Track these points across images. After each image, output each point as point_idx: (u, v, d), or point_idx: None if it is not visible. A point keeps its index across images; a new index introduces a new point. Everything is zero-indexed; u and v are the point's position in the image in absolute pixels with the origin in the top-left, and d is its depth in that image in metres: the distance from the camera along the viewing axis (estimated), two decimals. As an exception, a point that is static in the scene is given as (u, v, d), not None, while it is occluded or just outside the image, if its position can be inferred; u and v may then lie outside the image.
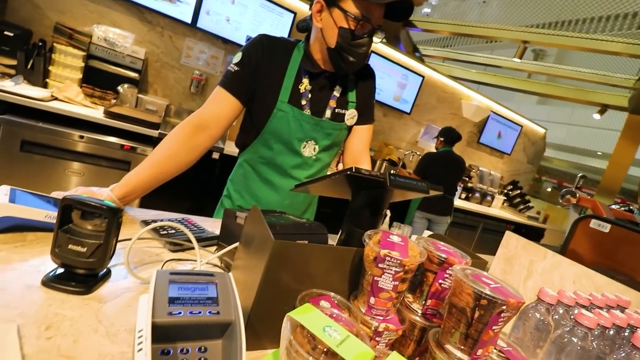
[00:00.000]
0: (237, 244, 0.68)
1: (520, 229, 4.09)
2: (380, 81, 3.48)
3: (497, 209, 4.34)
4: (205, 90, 2.76)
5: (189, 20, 2.48)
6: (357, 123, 1.12)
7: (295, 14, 2.80)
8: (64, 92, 2.01)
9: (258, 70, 0.96)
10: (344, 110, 1.07)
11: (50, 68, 2.12)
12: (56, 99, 1.97)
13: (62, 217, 0.53)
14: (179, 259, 0.71)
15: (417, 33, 5.53)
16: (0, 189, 0.64)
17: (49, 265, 0.56)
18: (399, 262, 0.47)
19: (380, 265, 0.48)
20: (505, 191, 4.60)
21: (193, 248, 0.68)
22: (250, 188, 1.09)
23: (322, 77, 1.02)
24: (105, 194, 0.79)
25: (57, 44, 2.13)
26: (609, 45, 3.81)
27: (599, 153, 11.41)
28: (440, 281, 0.55)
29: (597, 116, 5.09)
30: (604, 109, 4.86)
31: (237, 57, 0.97)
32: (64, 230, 0.54)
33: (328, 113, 1.04)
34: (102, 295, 0.55)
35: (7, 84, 1.85)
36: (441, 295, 0.56)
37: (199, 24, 2.52)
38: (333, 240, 0.82)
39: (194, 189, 2.29)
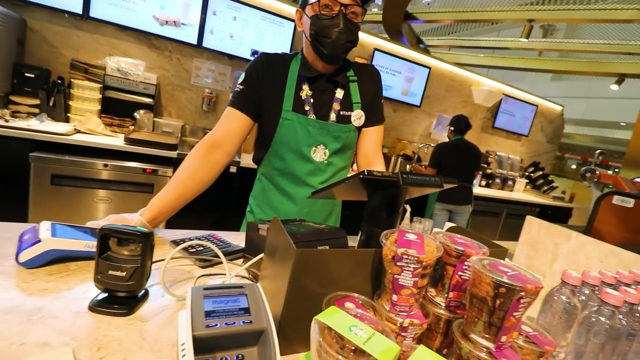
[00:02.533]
0: (261, 255, 0.71)
1: (546, 211, 3.98)
2: (387, 77, 3.48)
3: (520, 192, 4.24)
4: (217, 106, 2.84)
5: (194, 41, 2.57)
6: (366, 125, 1.13)
7: (295, 22, 2.84)
8: (86, 125, 2.12)
9: (261, 86, 1.01)
10: (349, 112, 1.08)
11: (71, 103, 2.25)
12: (79, 131, 2.08)
13: (101, 245, 0.58)
14: (210, 274, 0.75)
15: (419, 24, 5.49)
16: (42, 225, 0.70)
17: (92, 291, 0.61)
18: (416, 259, 0.50)
19: (398, 263, 0.50)
20: (527, 174, 4.49)
21: (221, 262, 0.72)
22: (270, 201, 1.12)
23: (321, 80, 1.05)
24: (136, 219, 0.85)
25: (75, 80, 2.25)
26: (619, 14, 3.67)
27: (622, 124, 10.94)
28: (459, 273, 0.57)
29: (615, 87, 4.91)
30: (621, 78, 4.68)
31: (241, 77, 1.04)
32: (104, 257, 0.58)
33: (333, 116, 1.06)
34: (143, 315, 0.59)
35: (33, 123, 1.98)
36: (462, 287, 0.57)
37: (205, 44, 2.61)
38: (354, 241, 0.84)
39: (216, 203, 2.36)
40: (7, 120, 1.89)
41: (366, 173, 0.75)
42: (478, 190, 3.64)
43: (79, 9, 2.26)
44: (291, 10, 2.89)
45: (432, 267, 0.52)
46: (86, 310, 0.58)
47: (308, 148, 1.05)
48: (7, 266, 0.65)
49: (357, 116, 1.09)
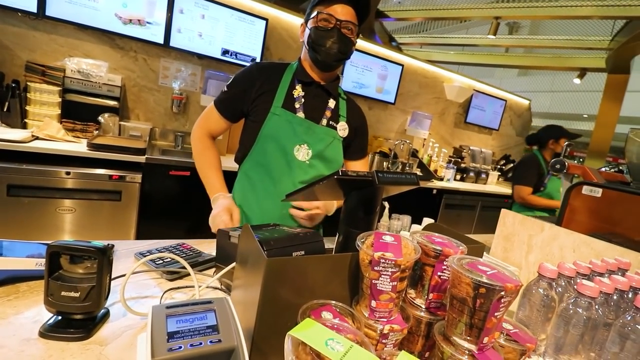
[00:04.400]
0: (233, 264, 0.67)
1: (519, 202, 4.12)
2: (360, 76, 3.49)
3: (493, 185, 4.37)
4: (188, 108, 2.74)
5: (161, 40, 2.46)
6: (352, 157, 1.24)
7: (267, 20, 2.79)
8: (45, 130, 1.98)
9: (248, 92, 1.10)
10: (336, 124, 1.15)
11: (27, 107, 2.10)
12: (37, 138, 1.95)
13: (50, 264, 0.53)
14: (178, 287, 0.71)
15: (391, 23, 5.55)
16: (-14, 243, 0.63)
17: (44, 315, 0.55)
18: (393, 262, 0.47)
19: (376, 268, 0.48)
20: (499, 166, 4.63)
21: (189, 274, 0.68)
22: (249, 199, 1.14)
23: (314, 86, 1.13)
24: (223, 204, 1.04)
25: (31, 83, 2.10)
26: (579, 10, 3.84)
27: (585, 116, 11.54)
28: (439, 273, 0.55)
29: (577, 80, 5.15)
30: (583, 72, 4.91)
31: (230, 80, 1.13)
32: (55, 277, 0.53)
33: (324, 122, 1.13)
34: (102, 338, 0.54)
35: (-15, 130, 1.83)
36: (442, 287, 0.56)
37: (172, 43, 2.50)
38: (333, 243, 0.81)
39: (190, 208, 2.27)
40: (-46, 128, 1.74)
41: (341, 173, 0.73)
42: (452, 184, 3.72)
43: (33, 8, 2.11)
44: (261, 7, 2.83)
45: (410, 269, 0.50)
46: (36, 336, 0.52)
47: (292, 145, 1.08)
48: (-57, 292, 0.58)
49: (342, 127, 1.16)
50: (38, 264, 0.64)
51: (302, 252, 0.67)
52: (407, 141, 3.68)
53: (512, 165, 4.61)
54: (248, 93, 1.10)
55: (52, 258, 0.53)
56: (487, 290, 0.44)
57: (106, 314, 0.58)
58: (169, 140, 2.67)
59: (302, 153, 1.10)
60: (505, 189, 4.23)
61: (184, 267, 0.72)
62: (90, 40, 2.35)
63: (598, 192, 1.07)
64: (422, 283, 0.58)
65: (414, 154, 3.82)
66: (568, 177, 1.28)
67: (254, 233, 0.63)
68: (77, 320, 0.54)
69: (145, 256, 0.80)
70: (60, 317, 0.54)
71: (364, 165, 1.28)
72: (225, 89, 1.12)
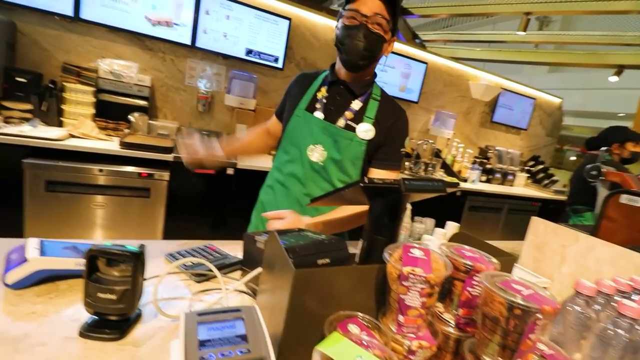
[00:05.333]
0: (259, 269, 0.68)
1: (548, 205, 3.96)
2: (383, 74, 3.44)
3: (521, 187, 4.22)
4: (213, 107, 2.80)
5: (188, 41, 2.52)
6: (377, 165, 1.10)
7: (290, 19, 2.80)
8: (79, 129, 2.08)
9: (289, 95, 1.17)
10: (356, 124, 1.07)
11: (64, 107, 2.20)
12: (73, 136, 2.04)
13: (89, 267, 0.55)
14: (206, 290, 0.72)
15: (414, 19, 5.43)
16: (30, 243, 0.67)
17: (83, 314, 0.58)
18: (423, 278, 0.46)
19: (404, 283, 0.47)
20: (527, 168, 4.46)
21: (216, 276, 0.69)
22: (270, 196, 1.17)
23: (339, 85, 1.10)
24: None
25: (67, 83, 2.20)
26: (616, 5, 3.62)
27: (621, 114, 10.90)
28: (469, 289, 0.54)
29: (614, 78, 4.87)
30: (620, 70, 4.64)
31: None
32: (93, 279, 0.55)
33: (341, 122, 1.08)
34: (136, 339, 0.56)
35: (26, 129, 1.93)
36: (472, 303, 0.55)
37: (198, 44, 2.56)
38: (356, 247, 0.81)
39: (215, 205, 2.33)
40: (-2, 127, 1.85)
41: (366, 181, 0.72)
42: (477, 185, 3.62)
43: (69, 11, 2.20)
44: (285, 7, 2.84)
45: (440, 286, 0.49)
46: (76, 335, 0.55)
47: (306, 145, 1.08)
48: (-8, 288, 0.62)
49: (364, 129, 1.07)
50: (77, 263, 0.67)
51: (328, 260, 0.67)
52: (431, 141, 3.61)
53: (541, 166, 4.43)
54: (288, 96, 1.18)
55: (91, 261, 0.55)
56: (522, 312, 0.42)
57: (139, 315, 0.61)
58: (194, 139, 2.73)
59: (317, 154, 1.07)
60: (534, 191, 4.07)
61: (211, 270, 0.74)
62: (122, 42, 2.43)
63: (638, 202, 1.01)
64: (451, 297, 0.57)
65: (437, 154, 3.74)
66: (605, 184, 1.22)
67: (279, 239, 0.63)
68: (113, 321, 0.56)
69: (174, 257, 0.82)
70: (97, 318, 0.57)
71: (388, 178, 1.13)
72: (282, 98, 1.24)
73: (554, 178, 4.37)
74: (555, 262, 1.04)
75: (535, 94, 4.57)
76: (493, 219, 3.74)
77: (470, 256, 0.55)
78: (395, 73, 3.51)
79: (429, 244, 1.27)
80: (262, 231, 0.78)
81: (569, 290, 0.69)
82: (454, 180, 3.48)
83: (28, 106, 2.09)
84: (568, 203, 2.71)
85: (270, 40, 2.80)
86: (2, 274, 0.62)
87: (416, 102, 3.71)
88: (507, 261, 0.72)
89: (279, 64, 2.86)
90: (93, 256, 0.55)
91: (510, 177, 4.10)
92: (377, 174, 1.12)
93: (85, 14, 2.24)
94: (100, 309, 0.55)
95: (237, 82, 2.70)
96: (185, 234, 2.24)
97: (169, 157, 2.10)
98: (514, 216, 3.81)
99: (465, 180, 3.60)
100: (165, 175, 2.08)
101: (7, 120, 2.01)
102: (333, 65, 1.15)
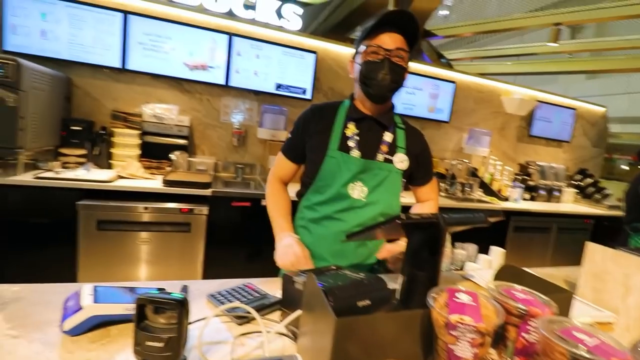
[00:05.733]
0: (299, 312, 0.68)
1: (602, 222, 3.64)
2: (411, 97, 3.44)
3: (570, 203, 3.93)
4: (247, 140, 2.91)
5: (222, 81, 2.68)
6: (418, 184, 1.24)
7: (316, 53, 2.91)
8: (127, 170, 2.24)
9: (306, 134, 1.14)
10: (392, 156, 1.13)
11: (113, 150, 2.39)
12: (121, 177, 2.20)
13: (138, 314, 0.58)
14: (247, 333, 0.73)
15: (438, 39, 5.44)
16: (85, 289, 0.71)
17: (133, 361, 0.60)
18: (473, 328, 0.44)
19: (452, 332, 0.45)
20: (575, 182, 4.17)
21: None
22: (305, 236, 1.15)
23: (367, 120, 1.12)
24: (290, 241, 1.04)
25: (116, 128, 2.40)
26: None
27: (675, 118, 10.02)
28: (524, 335, 0.50)
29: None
30: (670, 71, 4.31)
31: (292, 128, 1.19)
32: (141, 327, 0.57)
33: (380, 157, 1.11)
34: (182, 387, 0.57)
35: (80, 172, 2.11)
36: (530, 350, 0.50)
37: (231, 83, 2.71)
38: (394, 281, 0.78)
39: (252, 236, 2.37)
40: (57, 172, 2.04)
41: (404, 217, 0.71)
42: (521, 204, 3.42)
43: (117, 63, 2.44)
44: (311, 42, 2.96)
45: (493, 334, 0.46)
46: (126, 383, 0.56)
47: (346, 184, 1.08)
48: (51, 334, 0.66)
49: (400, 159, 1.12)
50: (126, 309, 0.70)
51: (368, 302, 0.65)
52: (466, 160, 3.50)
53: (591, 180, 4.13)
54: (306, 133, 1.14)
55: (140, 309, 0.58)
56: (589, 366, 0.39)
57: (184, 362, 0.62)
58: (230, 172, 2.85)
59: (357, 191, 1.09)
60: (585, 208, 3.78)
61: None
62: (163, 87, 2.63)
63: None
64: (505, 343, 0.53)
65: (473, 173, 3.61)
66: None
67: (317, 281, 0.63)
68: (160, 368, 0.58)
69: (215, 298, 0.84)
70: (146, 365, 0.58)
71: (432, 188, 1.26)
72: (289, 135, 1.19)
73: (606, 191, 4.04)
74: (618, 293, 0.94)
75: (575, 104, 4.34)
76: (541, 239, 3.48)
77: (522, 298, 0.52)
78: (423, 94, 3.50)
79: (474, 275, 1.21)
80: (301, 271, 0.78)
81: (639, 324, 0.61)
82: (494, 200, 3.33)
83: (82, 151, 2.29)
84: (626, 221, 2.48)
85: (298, 74, 2.91)
86: (60, 322, 0.66)
87: (447, 122, 3.64)
88: (563, 298, 0.67)
89: (307, 95, 2.96)
90: (141, 304, 0.57)
91: (556, 194, 3.85)
92: (422, 190, 1.25)
93: (130, 65, 2.47)
94: (149, 356, 0.57)
95: (268, 115, 2.81)
96: (223, 265, 2.29)
97: (207, 192, 2.19)
98: (564, 236, 3.54)
99: (506, 200, 3.42)
100: (204, 209, 2.17)
101: (65, 165, 2.21)
102: (352, 98, 1.16)
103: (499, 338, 0.53)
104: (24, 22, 2.24)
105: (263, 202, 2.32)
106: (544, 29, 4.54)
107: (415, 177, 1.21)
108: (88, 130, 2.34)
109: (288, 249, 1.01)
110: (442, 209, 0.76)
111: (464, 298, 0.48)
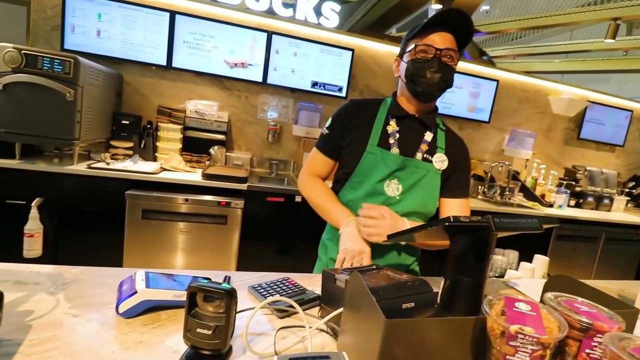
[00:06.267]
0: (341, 309, 0.68)
1: (659, 234, 3.34)
2: (450, 95, 3.33)
3: (620, 212, 3.65)
4: (281, 137, 2.96)
5: (260, 79, 2.74)
6: (448, 195, 1.13)
7: (353, 50, 2.89)
8: (170, 163, 2.34)
9: (346, 129, 1.11)
10: (432, 156, 1.10)
11: (158, 144, 2.51)
12: (164, 169, 2.31)
13: (189, 302, 0.60)
14: (288, 326, 0.74)
15: (479, 35, 5.21)
16: (138, 275, 0.75)
17: (181, 346, 0.63)
18: (535, 339, 0.42)
19: (511, 343, 0.43)
20: (627, 190, 3.86)
21: (297, 312, 0.70)
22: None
23: (409, 119, 1.10)
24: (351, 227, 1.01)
25: (161, 123, 2.53)
26: None
27: None
28: (587, 351, 0.47)
29: None
30: None
31: (328, 122, 1.16)
32: (192, 314, 0.60)
33: (419, 156, 1.08)
34: (228, 375, 0.59)
35: (128, 164, 2.24)
36: (592, 368, 0.47)
37: (269, 80, 2.76)
38: (434, 283, 0.76)
39: (285, 232, 2.41)
40: (108, 163, 2.18)
41: (452, 219, 0.68)
42: (566, 211, 3.22)
43: (164, 61, 2.56)
44: (348, 39, 2.94)
45: (554, 347, 0.44)
46: (176, 366, 0.59)
47: (381, 180, 1.06)
48: (108, 316, 0.70)
49: (440, 159, 1.10)
50: (175, 295, 0.73)
51: (412, 304, 0.64)
52: (506, 162, 3.34)
53: (646, 188, 3.80)
54: (346, 128, 1.11)
55: (191, 297, 0.60)
56: (670, 391, 0.35)
57: (229, 351, 0.64)
58: (265, 168, 2.91)
59: (392, 188, 1.07)
60: (638, 218, 3.49)
61: (291, 306, 0.76)
62: (204, 84, 2.73)
63: None
64: (564, 358, 0.50)
65: (514, 176, 3.44)
66: None
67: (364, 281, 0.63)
68: (207, 355, 0.60)
69: (257, 290, 0.86)
70: (193, 351, 0.61)
71: (463, 207, 1.14)
72: (325, 130, 1.15)
73: (665, 201, 3.71)
74: (689, 313, 0.86)
75: (631, 105, 4.00)
76: (587, 249, 3.26)
77: (586, 312, 0.48)
78: (463, 93, 3.37)
79: (518, 284, 1.15)
80: (342, 269, 0.78)
81: None
82: (536, 205, 3.15)
83: (130, 144, 2.43)
84: None
85: (334, 72, 2.91)
86: (116, 304, 0.70)
87: (487, 122, 3.49)
88: (629, 314, 0.62)
89: (342, 93, 2.95)
90: (193, 292, 0.60)
91: (606, 201, 3.59)
92: (450, 203, 1.14)
93: (175, 63, 2.58)
94: (197, 342, 0.59)
95: (303, 113, 2.84)
96: (255, 258, 2.35)
97: (243, 186, 2.24)
98: (613, 247, 3.29)
99: (550, 206, 3.23)
100: (240, 203, 2.22)
101: (114, 157, 2.36)
102: (394, 96, 1.15)
103: (557, 352, 0.50)
104: (82, 22, 2.40)
105: (297, 199, 2.34)
106: (596, 26, 4.21)
107: (449, 186, 1.12)
108: (136, 124, 2.47)
109: (357, 240, 0.98)
110: (477, 213, 0.72)
111: (523, 308, 0.46)
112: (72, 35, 2.41)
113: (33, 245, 1.67)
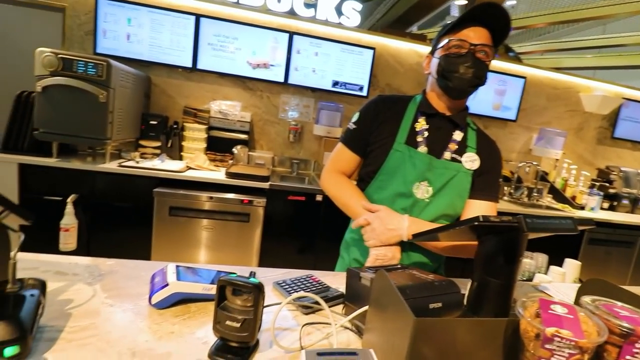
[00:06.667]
0: (366, 307, 0.68)
1: (702, 240, 3.14)
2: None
3: (659, 216, 3.45)
4: (302, 136, 2.98)
5: (281, 79, 2.76)
6: (475, 196, 1.06)
7: (374, 49, 2.87)
8: (195, 161, 2.41)
9: (374, 124, 1.08)
10: (461, 156, 1.05)
11: (183, 143, 2.59)
12: (190, 168, 2.37)
13: (219, 295, 0.62)
14: (313, 323, 0.75)
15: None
16: (169, 268, 0.78)
17: (210, 337, 0.64)
18: (573, 343, 0.40)
19: (547, 346, 0.42)
20: (667, 192, 3.64)
21: (322, 309, 0.71)
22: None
23: (438, 117, 1.06)
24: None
25: (186, 123, 2.60)
26: None
27: None
28: (628, 357, 0.45)
29: None
30: None
31: (355, 116, 1.12)
32: (222, 307, 0.61)
33: (447, 155, 1.04)
34: (256, 367, 0.60)
35: (156, 162, 2.32)
36: (633, 375, 0.45)
37: (290, 80, 2.78)
38: (461, 285, 0.75)
39: (306, 230, 2.43)
40: (137, 161, 2.26)
41: (482, 219, 0.67)
42: (599, 214, 3.07)
43: (189, 63, 2.63)
44: (369, 38, 2.93)
45: (593, 352, 0.42)
46: (206, 357, 0.61)
47: (411, 182, 1.02)
48: (142, 306, 0.73)
49: (470, 158, 1.05)
50: (204, 288, 0.76)
51: (440, 304, 0.63)
52: (535, 162, 3.22)
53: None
54: (375, 122, 1.08)
55: (221, 290, 0.62)
56: None
57: (256, 344, 0.65)
58: (286, 167, 2.94)
59: (422, 190, 1.03)
60: (679, 222, 3.28)
61: (316, 302, 0.77)
62: (228, 85, 2.79)
63: None
64: (601, 364, 0.48)
65: (543, 177, 3.32)
66: None
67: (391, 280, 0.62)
68: (235, 347, 0.61)
69: (281, 286, 0.87)
70: (222, 343, 0.62)
71: (489, 210, 1.06)
72: (352, 125, 1.11)
73: None
74: None
75: (673, 103, 3.77)
76: (621, 254, 3.10)
77: (626, 316, 0.46)
78: (488, 90, 3.28)
79: (548, 288, 1.11)
80: (367, 267, 0.78)
81: None
82: (567, 207, 3.03)
83: (158, 143, 2.51)
84: None
85: (355, 71, 2.90)
86: (149, 295, 0.73)
87: (514, 121, 3.39)
88: (672, 322, 0.58)
89: (364, 92, 2.93)
90: (222, 286, 0.61)
91: (643, 204, 3.39)
92: (475, 205, 1.07)
93: (200, 65, 2.65)
94: (226, 335, 0.61)
95: (324, 112, 2.84)
96: (276, 256, 2.38)
97: (265, 185, 2.28)
98: (652, 252, 3.11)
99: (582, 208, 3.10)
100: (262, 201, 2.26)
101: (143, 156, 2.44)
102: (424, 93, 1.12)
103: (594, 358, 0.48)
104: (113, 27, 2.51)
105: (318, 198, 2.35)
106: (631, 19, 3.99)
107: (476, 187, 1.06)
108: (163, 124, 2.55)
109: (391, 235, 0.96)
110: (504, 214, 0.70)
111: (559, 310, 0.45)
112: (104, 39, 2.52)
113: (68, 239, 1.75)
